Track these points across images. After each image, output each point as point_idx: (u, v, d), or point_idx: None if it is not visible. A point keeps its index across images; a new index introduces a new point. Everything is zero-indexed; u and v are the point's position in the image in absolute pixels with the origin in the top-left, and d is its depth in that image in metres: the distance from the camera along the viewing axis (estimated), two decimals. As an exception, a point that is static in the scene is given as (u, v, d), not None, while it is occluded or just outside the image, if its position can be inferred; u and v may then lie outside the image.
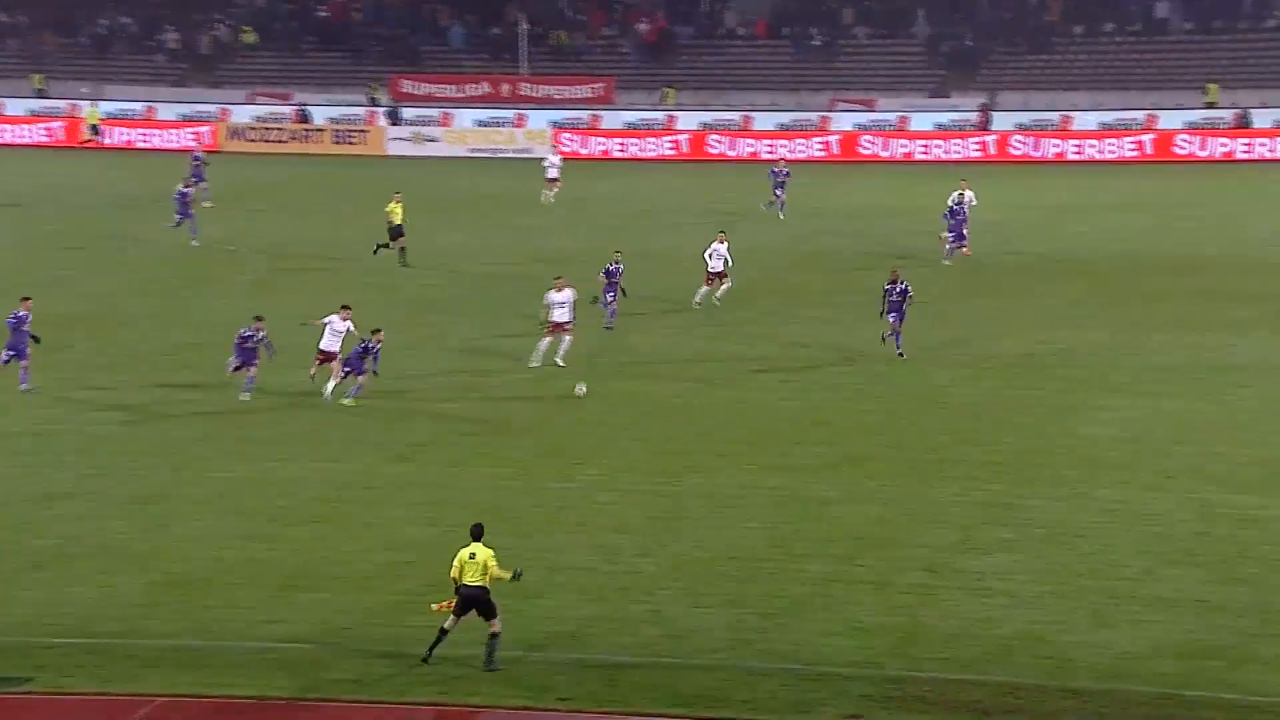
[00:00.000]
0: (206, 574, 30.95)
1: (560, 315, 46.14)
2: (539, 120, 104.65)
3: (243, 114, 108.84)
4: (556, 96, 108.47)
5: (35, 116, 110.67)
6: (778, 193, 73.94)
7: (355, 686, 26.24)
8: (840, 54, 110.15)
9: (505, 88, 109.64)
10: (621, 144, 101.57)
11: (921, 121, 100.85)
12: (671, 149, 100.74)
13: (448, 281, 60.72)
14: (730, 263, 54.78)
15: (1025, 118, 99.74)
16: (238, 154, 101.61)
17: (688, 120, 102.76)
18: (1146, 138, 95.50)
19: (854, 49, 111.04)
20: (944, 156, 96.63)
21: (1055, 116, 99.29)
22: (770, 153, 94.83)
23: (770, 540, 32.75)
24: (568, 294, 46.22)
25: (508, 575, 26.75)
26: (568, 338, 46.38)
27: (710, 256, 54.54)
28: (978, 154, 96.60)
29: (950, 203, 64.21)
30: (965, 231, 62.42)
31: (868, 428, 41.05)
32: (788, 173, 75.16)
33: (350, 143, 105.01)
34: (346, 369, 42.75)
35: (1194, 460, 38.20)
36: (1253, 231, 71.11)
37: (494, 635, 26.56)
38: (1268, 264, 63.11)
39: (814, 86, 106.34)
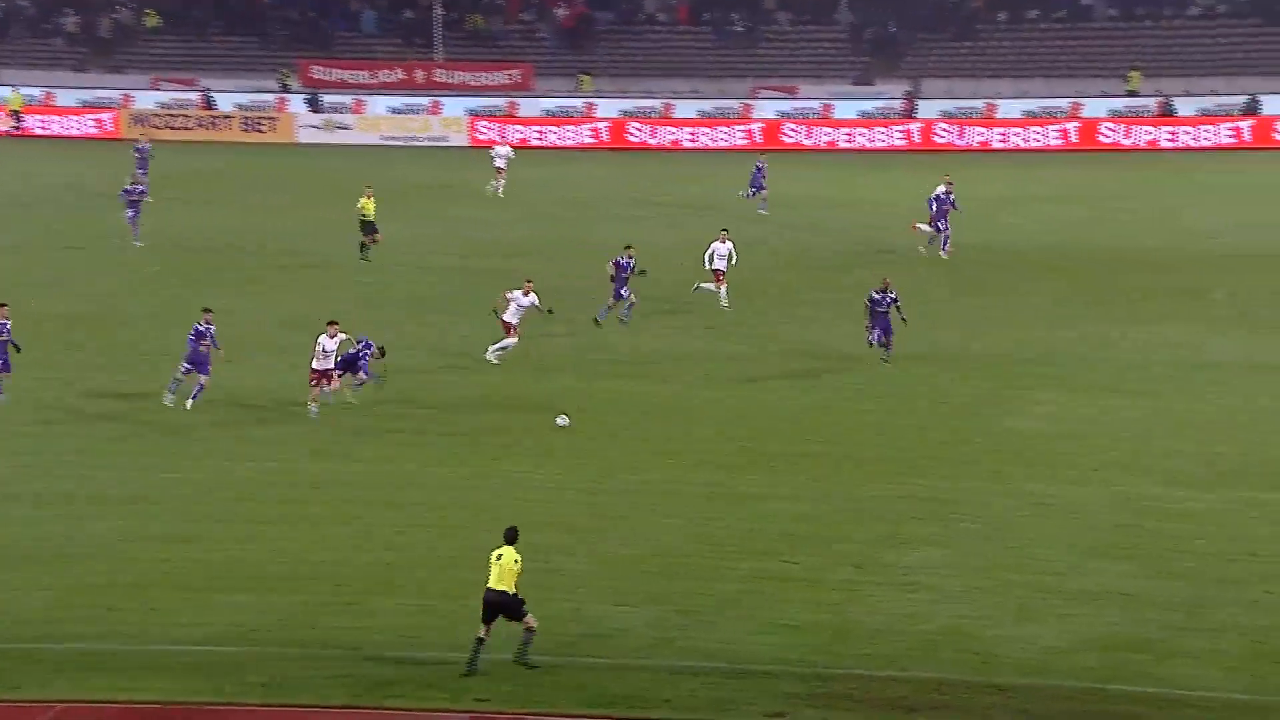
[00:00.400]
0: (127, 577, 30.36)
1: (513, 317, 46.04)
2: (455, 108, 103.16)
3: (146, 100, 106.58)
4: (473, 83, 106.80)
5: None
6: (761, 189, 71.93)
7: (266, 691, 25.79)
8: (762, 40, 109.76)
9: (419, 74, 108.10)
10: (540, 131, 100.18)
11: (845, 109, 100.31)
12: (591, 137, 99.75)
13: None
14: (735, 260, 53.51)
15: (949, 105, 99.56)
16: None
17: (607, 108, 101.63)
18: (1071, 126, 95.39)
19: (776, 35, 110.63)
20: (868, 145, 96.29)
21: (980, 104, 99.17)
22: (692, 140, 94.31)
23: (698, 537, 32.43)
24: (531, 299, 46.24)
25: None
26: (513, 340, 46.07)
27: (713, 257, 53.38)
28: (902, 143, 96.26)
29: (936, 193, 63.02)
30: (941, 225, 61.96)
31: (795, 423, 40.71)
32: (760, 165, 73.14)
33: (259, 130, 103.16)
34: (340, 370, 41.89)
35: (1129, 456, 38.03)
36: (1190, 223, 70.40)
37: (529, 630, 26.36)
38: (1213, 257, 62.17)
39: (736, 74, 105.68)
